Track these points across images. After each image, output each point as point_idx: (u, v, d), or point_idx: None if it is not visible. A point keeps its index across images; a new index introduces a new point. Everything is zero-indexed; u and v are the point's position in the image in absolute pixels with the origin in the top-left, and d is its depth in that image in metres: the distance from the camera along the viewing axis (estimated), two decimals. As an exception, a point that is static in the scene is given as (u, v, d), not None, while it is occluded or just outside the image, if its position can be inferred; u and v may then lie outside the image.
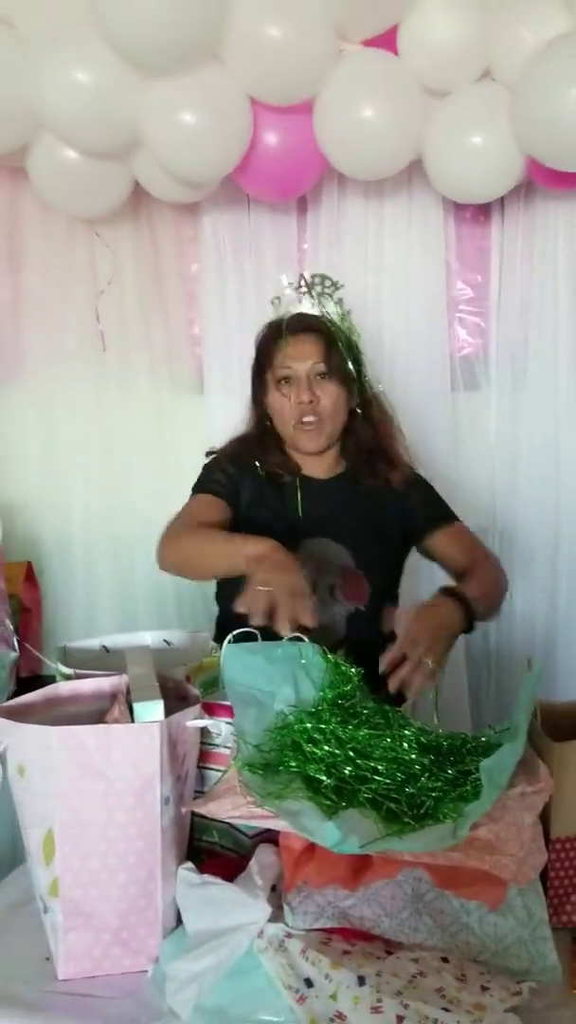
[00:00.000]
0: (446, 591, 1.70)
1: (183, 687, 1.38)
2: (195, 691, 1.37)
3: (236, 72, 1.90)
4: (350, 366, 1.78)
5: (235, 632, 1.54)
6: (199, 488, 1.89)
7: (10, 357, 2.49)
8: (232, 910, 1.16)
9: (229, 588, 1.94)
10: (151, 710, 1.23)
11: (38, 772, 1.20)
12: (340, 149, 2.04)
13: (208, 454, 1.93)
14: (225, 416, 2.24)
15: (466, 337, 2.53)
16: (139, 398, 2.40)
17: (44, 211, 2.42)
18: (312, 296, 1.82)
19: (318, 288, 1.79)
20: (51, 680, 2.35)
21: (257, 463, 1.83)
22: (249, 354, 2.48)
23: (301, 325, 1.81)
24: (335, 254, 2.42)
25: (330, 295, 1.83)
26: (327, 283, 1.79)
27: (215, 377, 2.53)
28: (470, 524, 2.49)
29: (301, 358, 1.80)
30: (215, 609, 2.51)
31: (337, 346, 1.78)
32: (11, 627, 2.12)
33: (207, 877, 1.22)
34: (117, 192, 2.19)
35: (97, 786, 1.19)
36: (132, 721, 1.24)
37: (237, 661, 1.44)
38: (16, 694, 2.11)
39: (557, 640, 2.48)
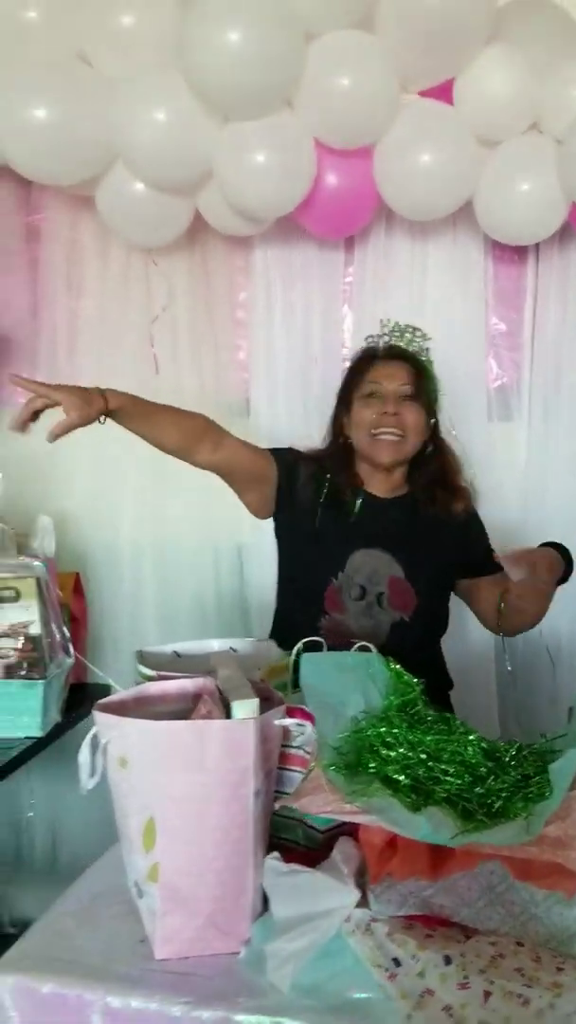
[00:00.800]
0: (545, 545, 1.92)
1: (266, 689, 1.48)
2: (278, 693, 1.47)
3: (305, 116, 2.03)
4: (431, 397, 1.91)
5: (304, 640, 1.65)
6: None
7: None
8: (322, 896, 1.26)
9: (288, 586, 2.06)
10: (247, 708, 1.32)
11: (140, 764, 1.29)
12: (397, 192, 2.17)
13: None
14: (269, 437, 2.36)
15: (499, 370, 2.65)
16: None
17: (103, 239, 2.54)
18: (402, 341, 1.99)
19: (408, 336, 1.93)
20: (99, 687, 2.45)
21: (328, 475, 1.95)
22: (292, 380, 2.62)
23: (393, 352, 1.98)
24: (379, 288, 2.55)
25: (419, 344, 1.98)
26: (417, 334, 1.94)
27: (260, 400, 2.64)
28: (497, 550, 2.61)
29: (390, 378, 1.95)
30: (255, 621, 2.61)
31: (424, 375, 1.92)
32: (68, 634, 2.20)
33: (294, 866, 1.31)
34: (178, 223, 2.31)
35: (196, 778, 1.28)
36: (227, 718, 1.34)
37: (312, 668, 1.54)
38: (68, 700, 2.20)
39: (581, 663, 2.59)
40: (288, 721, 1.40)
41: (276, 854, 1.34)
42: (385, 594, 1.98)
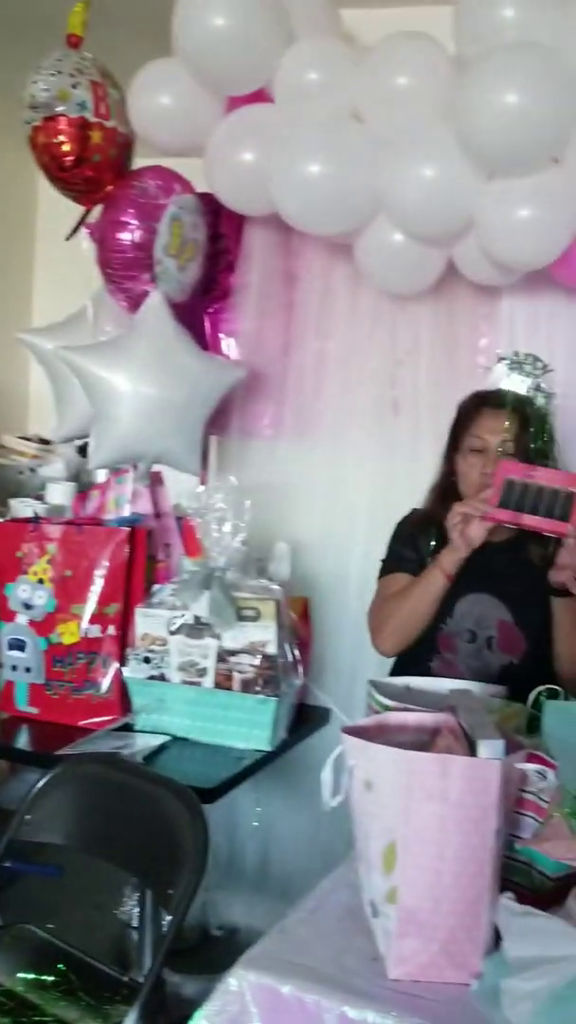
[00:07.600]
0: None
1: (506, 733, 1.51)
2: (517, 737, 1.50)
3: (572, 173, 2.06)
4: (537, 447, 1.93)
5: (542, 688, 1.68)
6: (394, 566, 2.13)
7: (309, 415, 2.74)
8: (559, 940, 1.27)
9: None
10: (493, 748, 1.36)
11: (385, 789, 1.36)
12: None
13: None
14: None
15: None
16: (422, 458, 2.57)
17: (355, 284, 2.66)
18: (522, 374, 1.97)
19: (528, 368, 1.93)
20: (318, 710, 2.54)
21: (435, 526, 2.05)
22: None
23: (499, 401, 1.99)
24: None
25: (538, 376, 1.95)
26: (538, 364, 1.93)
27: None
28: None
29: (493, 432, 1.98)
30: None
31: (528, 428, 1.92)
32: (298, 656, 2.32)
33: (528, 908, 1.34)
34: (432, 272, 2.39)
35: (439, 809, 1.33)
36: (469, 755, 1.38)
37: (556, 716, 1.57)
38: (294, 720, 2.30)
39: None
40: (529, 766, 1.43)
41: (510, 894, 1.37)
42: (495, 638, 2.05)
